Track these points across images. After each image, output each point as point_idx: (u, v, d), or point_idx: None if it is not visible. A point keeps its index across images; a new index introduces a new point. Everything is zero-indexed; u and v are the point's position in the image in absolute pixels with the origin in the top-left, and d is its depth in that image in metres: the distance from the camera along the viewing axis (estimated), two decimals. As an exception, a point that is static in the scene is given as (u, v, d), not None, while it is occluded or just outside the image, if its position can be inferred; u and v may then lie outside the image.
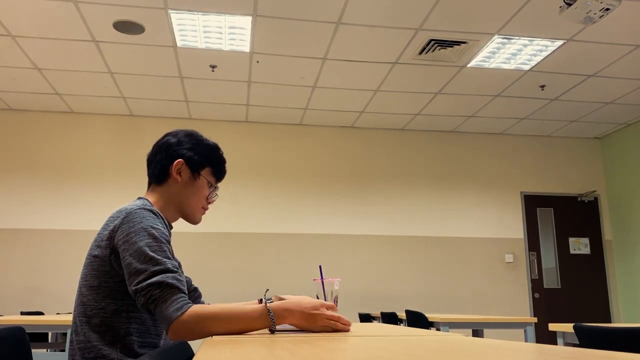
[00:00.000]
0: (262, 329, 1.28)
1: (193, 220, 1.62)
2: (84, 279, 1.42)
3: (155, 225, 1.39)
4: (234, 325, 1.25)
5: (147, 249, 1.33)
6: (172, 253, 1.44)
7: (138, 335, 1.41)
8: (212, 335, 1.23)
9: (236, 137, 6.71)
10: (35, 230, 6.14)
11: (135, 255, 1.32)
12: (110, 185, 6.34)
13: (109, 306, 1.38)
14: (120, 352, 1.37)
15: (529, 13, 4.29)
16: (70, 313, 5.44)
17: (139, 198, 1.57)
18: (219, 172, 1.62)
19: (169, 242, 1.41)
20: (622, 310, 6.89)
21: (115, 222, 1.40)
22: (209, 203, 1.63)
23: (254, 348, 0.95)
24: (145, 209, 1.42)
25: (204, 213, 1.63)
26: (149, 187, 1.61)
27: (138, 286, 1.28)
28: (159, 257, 1.32)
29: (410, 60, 5.09)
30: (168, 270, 1.31)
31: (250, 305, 1.31)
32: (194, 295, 1.71)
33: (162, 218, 1.46)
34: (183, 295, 1.29)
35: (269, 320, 1.26)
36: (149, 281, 1.28)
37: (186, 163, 1.55)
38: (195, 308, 1.26)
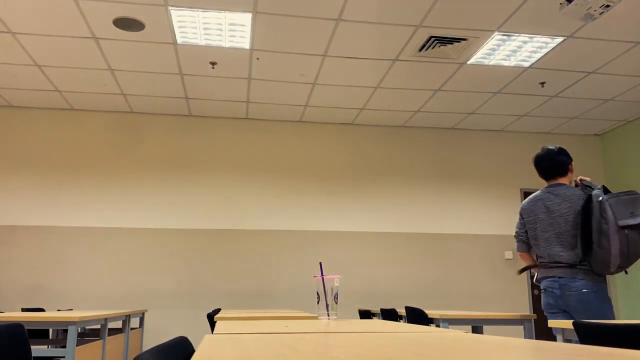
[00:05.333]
0: None
1: None
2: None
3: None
4: None
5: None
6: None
7: None
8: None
9: (236, 134, 6.71)
10: (36, 227, 6.14)
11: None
12: (111, 182, 6.34)
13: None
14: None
15: (529, 10, 4.28)
16: (71, 309, 5.44)
17: (564, 184, 3.04)
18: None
19: None
20: (621, 307, 6.90)
21: (577, 206, 2.91)
22: None
23: (254, 345, 0.96)
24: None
25: None
26: (555, 177, 3.08)
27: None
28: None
29: (410, 57, 5.09)
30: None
31: None
32: None
33: None
34: None
35: None
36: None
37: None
38: None
